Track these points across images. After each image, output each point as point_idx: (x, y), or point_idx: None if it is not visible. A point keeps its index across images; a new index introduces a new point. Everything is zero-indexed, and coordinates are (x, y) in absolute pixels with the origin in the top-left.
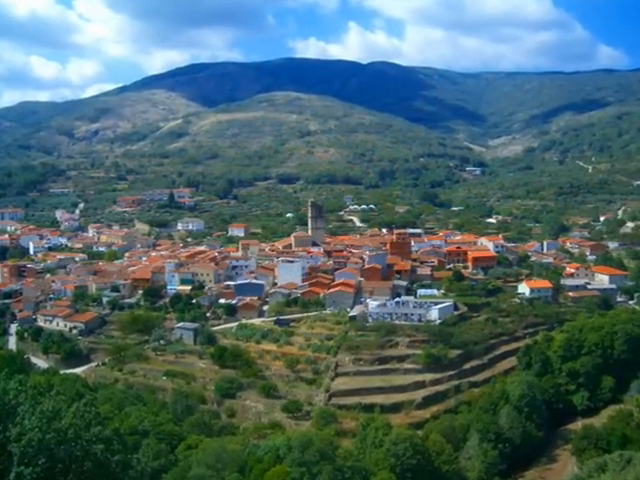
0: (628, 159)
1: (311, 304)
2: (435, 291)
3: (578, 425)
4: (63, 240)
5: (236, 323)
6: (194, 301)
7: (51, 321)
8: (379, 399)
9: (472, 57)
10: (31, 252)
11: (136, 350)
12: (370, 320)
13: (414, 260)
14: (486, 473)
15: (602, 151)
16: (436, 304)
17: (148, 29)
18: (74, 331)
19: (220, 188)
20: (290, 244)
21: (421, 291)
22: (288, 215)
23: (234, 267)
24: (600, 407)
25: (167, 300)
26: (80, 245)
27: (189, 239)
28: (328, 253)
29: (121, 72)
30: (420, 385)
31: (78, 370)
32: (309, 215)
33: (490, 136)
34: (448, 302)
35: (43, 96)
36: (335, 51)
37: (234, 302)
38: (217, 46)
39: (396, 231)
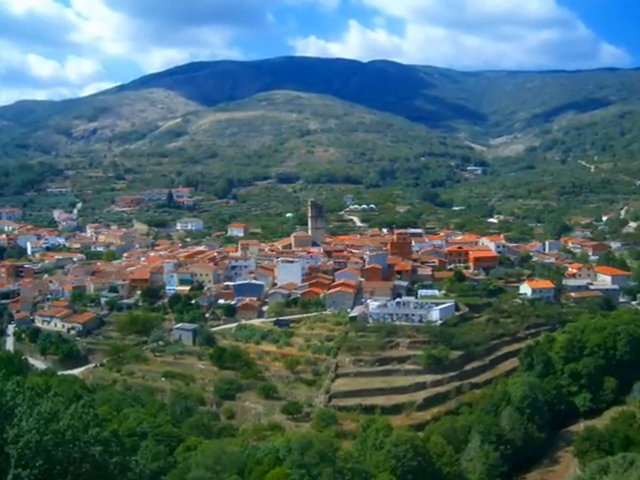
0: (631, 158)
1: (311, 305)
2: (436, 291)
3: (580, 427)
4: (61, 240)
5: (235, 324)
6: (193, 301)
7: (49, 322)
8: (380, 400)
9: (473, 55)
10: (29, 252)
11: (134, 351)
12: (370, 321)
13: (415, 260)
14: (487, 475)
15: (604, 150)
16: (437, 305)
17: (146, 27)
18: (72, 332)
19: (219, 188)
20: (290, 244)
21: (422, 291)
22: (288, 215)
23: (233, 267)
24: (602, 408)
25: (166, 301)
26: (78, 245)
27: (188, 239)
28: (328, 253)
29: (119, 71)
30: (421, 386)
31: (76, 371)
32: (309, 215)
33: (491, 135)
34: (449, 303)
35: (41, 95)
36: (335, 49)
37: (233, 302)
38: (216, 44)
39: (397, 231)
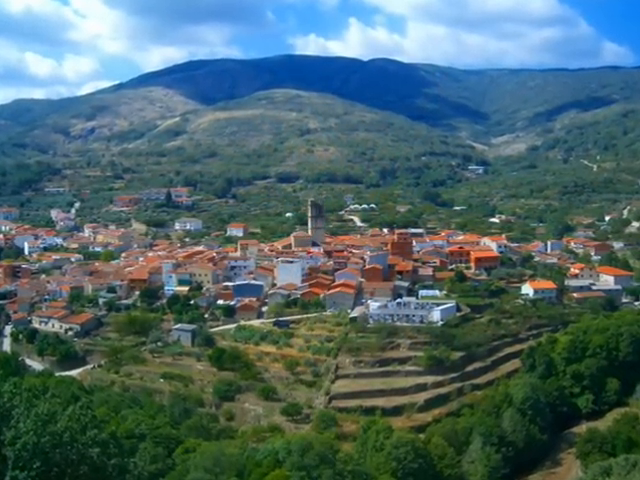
0: (633, 157)
1: (311, 305)
2: (437, 292)
3: (583, 428)
4: (59, 240)
5: (235, 324)
6: (192, 302)
7: (46, 322)
8: (380, 402)
9: (475, 54)
10: (26, 252)
11: (133, 352)
12: (371, 321)
13: (416, 260)
14: (489, 477)
15: (607, 149)
16: (438, 305)
17: (145, 25)
18: (70, 333)
19: (218, 187)
20: (290, 244)
21: (423, 292)
22: (287, 215)
23: (233, 267)
24: (605, 410)
25: (164, 301)
26: (76, 245)
27: (187, 239)
28: (328, 253)
29: (117, 69)
30: (422, 388)
31: (74, 372)
32: (309, 215)
33: (493, 134)
34: (450, 303)
35: (38, 94)
36: (335, 48)
37: (233, 303)
38: (215, 43)
39: (397, 231)
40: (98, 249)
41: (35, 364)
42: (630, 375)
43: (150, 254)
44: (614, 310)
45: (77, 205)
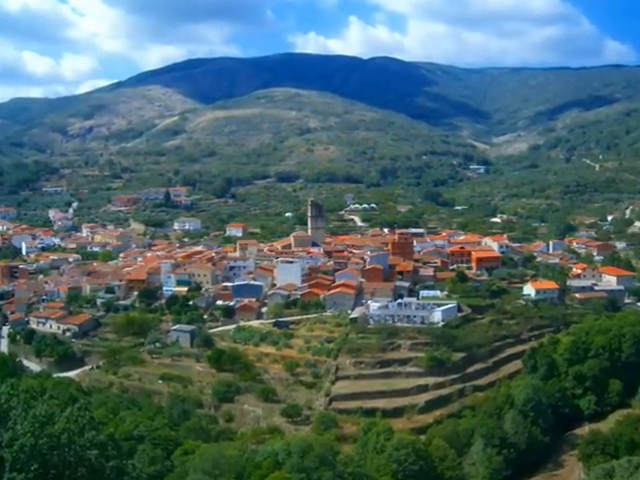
0: (636, 157)
1: (311, 306)
2: (438, 292)
3: (585, 430)
4: (56, 240)
5: (234, 325)
6: (191, 303)
7: (44, 323)
8: (380, 403)
9: (476, 52)
10: (23, 252)
11: (131, 353)
12: (371, 322)
13: (416, 261)
14: (490, 479)
15: (609, 149)
16: (439, 306)
17: (143, 24)
18: (67, 333)
19: (217, 187)
20: (289, 244)
21: (424, 292)
22: (287, 214)
23: (232, 268)
24: (607, 411)
25: (163, 302)
26: (74, 245)
27: (186, 239)
28: (328, 253)
29: (116, 68)
30: (423, 389)
31: (72, 373)
32: (309, 214)
33: (494, 133)
34: (451, 304)
35: (36, 92)
36: (335, 46)
37: (232, 304)
38: (214, 41)
39: (398, 231)
40: (96, 249)
41: (33, 365)
42: (633, 376)
43: (149, 254)
44: (616, 311)
45: (75, 205)
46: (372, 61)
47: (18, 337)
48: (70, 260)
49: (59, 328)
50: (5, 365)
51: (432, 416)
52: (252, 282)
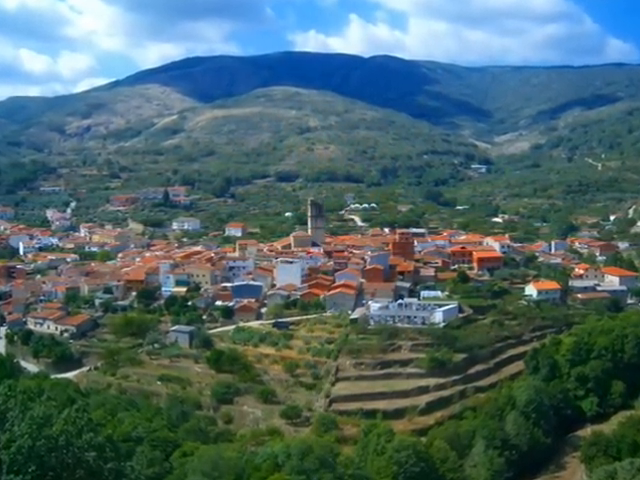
0: (639, 156)
1: (311, 306)
2: (439, 293)
3: (587, 431)
4: (54, 240)
5: (233, 326)
6: (190, 303)
7: (42, 324)
8: (381, 405)
9: (477, 51)
10: (21, 252)
11: (130, 354)
12: (372, 323)
13: (417, 261)
14: None
15: (612, 148)
16: (440, 306)
17: (142, 22)
18: (65, 334)
19: (217, 186)
20: (289, 244)
21: (424, 293)
22: (287, 214)
23: (231, 268)
24: (610, 413)
25: (162, 302)
26: (72, 245)
27: (184, 239)
28: (328, 253)
29: (114, 66)
30: (424, 390)
31: (69, 375)
32: (309, 214)
33: (496, 132)
34: (452, 304)
35: (33, 91)
36: (336, 44)
37: (231, 304)
38: (213, 39)
39: (399, 231)
40: (94, 249)
41: (30, 366)
42: (635, 377)
43: (147, 254)
44: (619, 311)
45: (73, 204)
46: (373, 59)
47: (15, 338)
48: (68, 260)
49: (57, 329)
50: (2, 366)
51: (433, 417)
52: (251, 282)
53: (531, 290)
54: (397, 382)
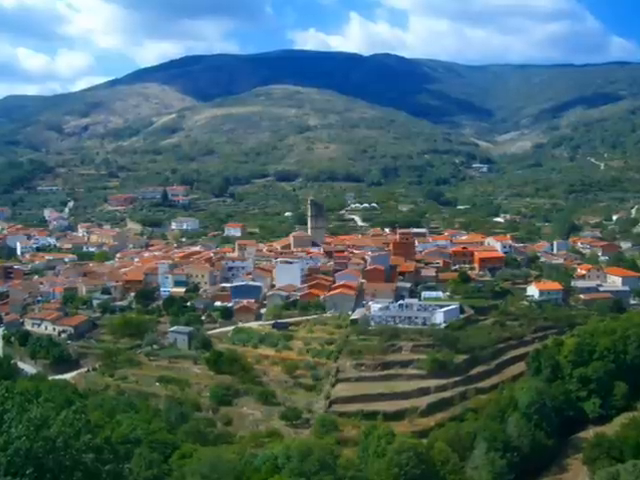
0: None
1: (311, 307)
2: (440, 293)
3: (590, 433)
4: (52, 240)
5: (232, 327)
6: (188, 304)
7: (39, 325)
8: (382, 406)
9: (478, 49)
10: (18, 252)
11: (128, 355)
12: (372, 324)
13: (418, 261)
14: None
15: (614, 147)
16: (441, 307)
17: (140, 19)
18: (63, 335)
19: (216, 186)
20: (289, 244)
21: (425, 293)
22: (287, 214)
23: (230, 268)
24: (613, 415)
25: (160, 303)
26: (69, 245)
27: (183, 239)
28: (328, 254)
29: (112, 65)
30: (424, 391)
31: (67, 376)
32: (309, 214)
33: (497, 131)
34: (454, 305)
35: (31, 90)
36: (336, 43)
37: (230, 305)
38: (213, 37)
39: (399, 231)
40: (92, 249)
41: (27, 367)
42: (638, 379)
43: (146, 254)
44: (622, 312)
45: (71, 204)
46: (373, 58)
47: (13, 339)
48: (66, 260)
49: (54, 329)
50: None
51: (434, 419)
52: (251, 283)
53: (533, 290)
54: (398, 383)
